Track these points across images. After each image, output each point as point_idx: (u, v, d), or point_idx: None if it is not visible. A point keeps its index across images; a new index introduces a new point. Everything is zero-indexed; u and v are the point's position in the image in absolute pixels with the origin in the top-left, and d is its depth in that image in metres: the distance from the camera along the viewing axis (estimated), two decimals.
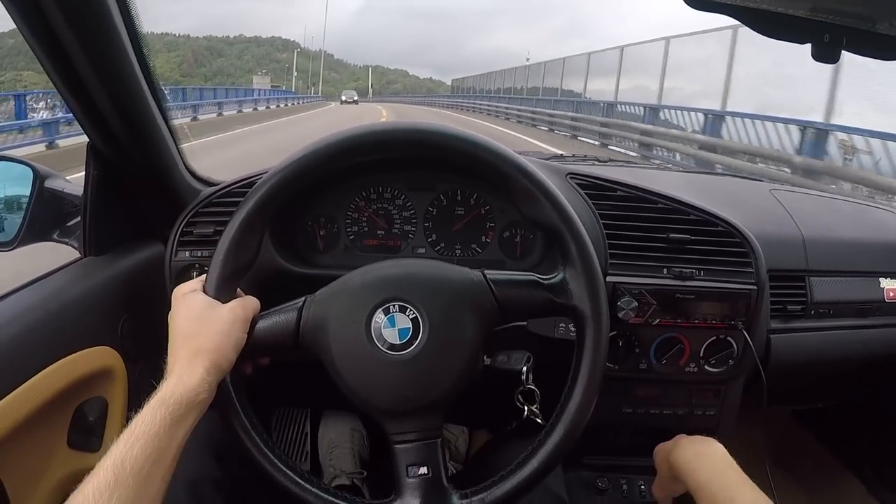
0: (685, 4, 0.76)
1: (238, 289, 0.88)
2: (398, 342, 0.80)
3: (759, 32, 0.81)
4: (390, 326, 0.81)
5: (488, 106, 31.97)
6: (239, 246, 0.84)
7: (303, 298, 0.85)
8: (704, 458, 0.88)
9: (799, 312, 1.36)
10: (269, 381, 1.15)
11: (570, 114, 19.35)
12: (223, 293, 0.83)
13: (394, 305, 0.81)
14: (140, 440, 0.67)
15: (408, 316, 0.81)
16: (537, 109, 22.64)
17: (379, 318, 0.81)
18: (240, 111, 25.72)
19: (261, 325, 0.84)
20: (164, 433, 0.69)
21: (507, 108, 27.17)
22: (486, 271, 0.86)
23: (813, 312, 1.37)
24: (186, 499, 0.93)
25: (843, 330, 1.41)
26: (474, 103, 37.62)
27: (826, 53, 0.78)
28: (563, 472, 1.29)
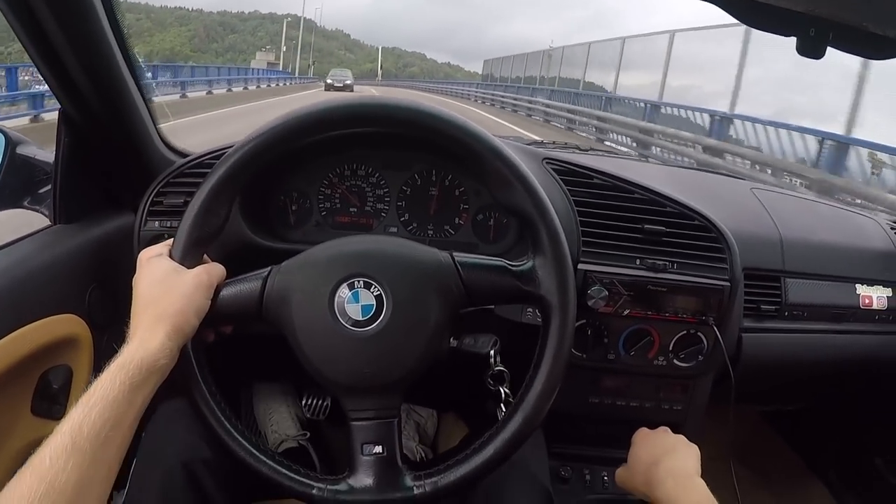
0: None
1: (205, 255, 0.87)
2: (361, 318, 0.80)
3: (744, 23, 0.81)
4: (354, 302, 0.80)
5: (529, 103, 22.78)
6: (207, 212, 0.83)
7: (268, 268, 0.84)
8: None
9: (773, 312, 1.36)
10: (236, 357, 1.14)
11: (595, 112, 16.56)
12: (189, 258, 0.82)
13: (358, 281, 0.81)
14: (98, 405, 0.66)
15: (372, 293, 0.80)
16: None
17: (343, 292, 0.80)
18: (229, 90, 25.40)
19: (225, 292, 0.83)
20: (123, 398, 0.68)
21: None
22: (454, 253, 0.85)
23: (787, 314, 1.37)
24: (180, 480, 0.91)
25: (815, 333, 1.41)
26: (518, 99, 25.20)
27: (811, 48, 0.78)
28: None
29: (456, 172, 1.25)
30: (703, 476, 0.89)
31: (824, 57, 0.76)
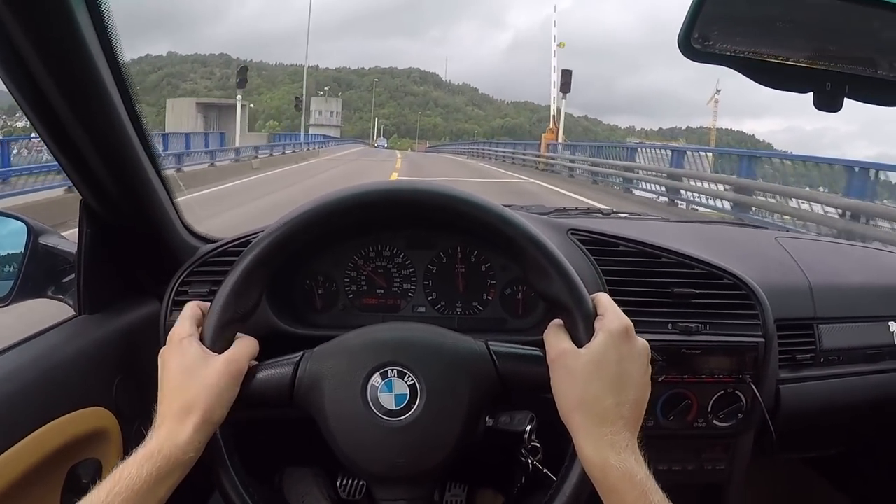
0: (682, 55, 0.78)
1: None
2: (394, 408, 0.78)
3: (759, 83, 0.80)
4: (387, 391, 0.78)
5: None
6: (238, 295, 0.82)
7: (301, 353, 0.83)
8: None
9: (808, 361, 1.35)
10: (267, 440, 1.12)
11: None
12: (219, 341, 0.81)
13: (392, 370, 0.79)
14: (122, 494, 0.65)
15: (406, 382, 0.79)
16: None
17: (376, 381, 0.79)
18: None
19: (257, 375, 0.81)
20: (149, 490, 0.67)
21: None
22: (490, 342, 0.83)
23: (822, 360, 1.36)
24: None
25: (853, 377, 1.39)
26: None
27: (828, 102, 0.77)
28: None
29: (482, 248, 1.24)
30: None
31: None
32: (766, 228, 1.80)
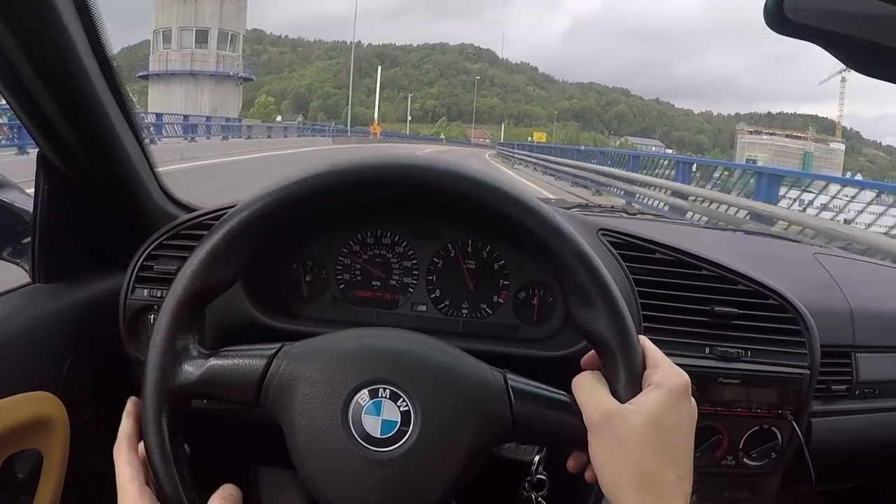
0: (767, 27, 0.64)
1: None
2: (378, 436, 0.64)
3: (852, 67, 0.67)
4: (374, 414, 0.64)
5: None
6: (216, 260, 0.68)
7: (278, 345, 0.69)
8: None
9: (843, 392, 1.23)
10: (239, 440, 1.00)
11: None
12: (182, 322, 0.68)
13: (385, 389, 0.65)
14: None
15: (399, 406, 0.65)
16: None
17: (363, 399, 0.65)
18: None
19: (217, 365, 0.68)
20: None
21: None
22: (508, 375, 0.69)
23: (857, 392, 1.24)
24: None
25: (887, 412, 1.27)
26: None
27: None
28: None
29: (495, 243, 1.10)
30: None
31: None
32: (800, 242, 1.67)
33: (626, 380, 0.65)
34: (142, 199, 1.09)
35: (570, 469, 0.74)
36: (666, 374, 0.65)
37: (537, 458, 0.82)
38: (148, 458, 0.66)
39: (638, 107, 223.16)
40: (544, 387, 0.69)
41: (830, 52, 0.66)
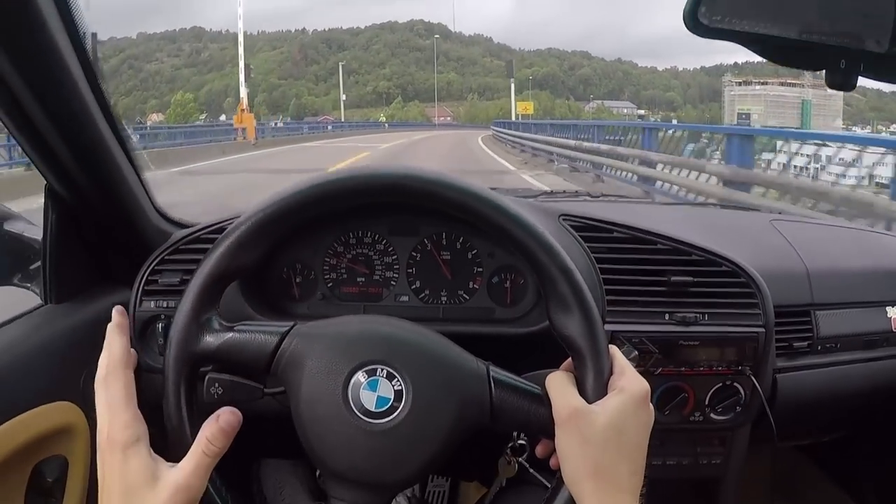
0: (688, 31, 0.73)
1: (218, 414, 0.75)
2: (372, 409, 0.72)
3: (770, 60, 0.76)
4: (370, 390, 0.73)
5: None
6: (242, 246, 0.76)
7: (291, 323, 0.78)
8: None
9: (805, 349, 1.31)
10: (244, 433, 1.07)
11: None
12: (207, 297, 0.76)
13: (382, 369, 0.73)
14: None
15: (393, 385, 0.73)
16: None
17: (362, 376, 0.73)
18: None
19: (237, 337, 0.76)
20: None
21: None
22: (491, 367, 0.77)
23: (819, 348, 1.33)
24: None
25: (849, 364, 1.36)
26: None
27: (842, 80, 0.73)
28: None
29: (468, 234, 1.19)
30: None
31: None
32: (759, 211, 1.75)
33: (594, 382, 0.73)
34: (140, 221, 1.17)
35: (538, 455, 0.82)
36: (630, 380, 0.72)
37: None
38: (164, 400, 0.74)
39: (602, 68, 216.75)
40: (523, 381, 0.78)
41: (750, 49, 0.75)
